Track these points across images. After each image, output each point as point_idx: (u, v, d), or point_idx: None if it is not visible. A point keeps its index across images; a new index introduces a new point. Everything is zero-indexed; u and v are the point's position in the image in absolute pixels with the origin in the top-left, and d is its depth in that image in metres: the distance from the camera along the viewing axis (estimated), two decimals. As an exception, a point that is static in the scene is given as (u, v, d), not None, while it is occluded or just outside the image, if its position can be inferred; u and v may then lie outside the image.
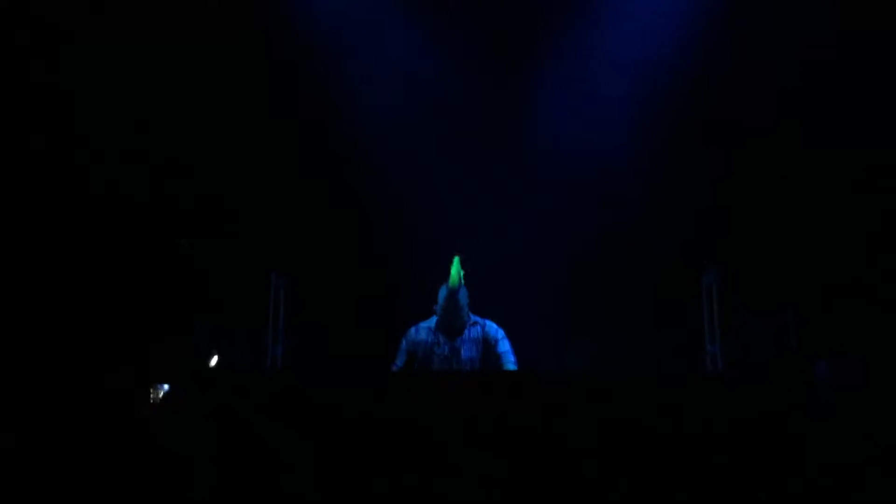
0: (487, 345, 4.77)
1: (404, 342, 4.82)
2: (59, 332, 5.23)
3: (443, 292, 4.75)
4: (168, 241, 5.58)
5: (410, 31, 5.88)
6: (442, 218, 5.94)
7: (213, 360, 5.02)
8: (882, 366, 4.46)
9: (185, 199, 5.75)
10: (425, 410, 3.44)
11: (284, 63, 5.88)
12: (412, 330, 4.83)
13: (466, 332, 4.79)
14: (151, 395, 4.62)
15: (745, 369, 4.53)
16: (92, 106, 5.60)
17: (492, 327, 4.84)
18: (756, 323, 4.76)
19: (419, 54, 5.88)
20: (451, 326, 4.74)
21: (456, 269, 4.65)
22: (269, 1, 5.79)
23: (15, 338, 5.12)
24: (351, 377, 3.71)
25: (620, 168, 5.79)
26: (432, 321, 4.85)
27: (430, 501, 3.29)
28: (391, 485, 3.34)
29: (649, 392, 3.35)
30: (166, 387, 4.66)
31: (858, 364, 4.43)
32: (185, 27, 5.60)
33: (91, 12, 5.49)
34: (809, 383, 4.06)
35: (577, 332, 5.77)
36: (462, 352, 4.73)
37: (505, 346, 4.77)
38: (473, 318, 4.86)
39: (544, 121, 5.89)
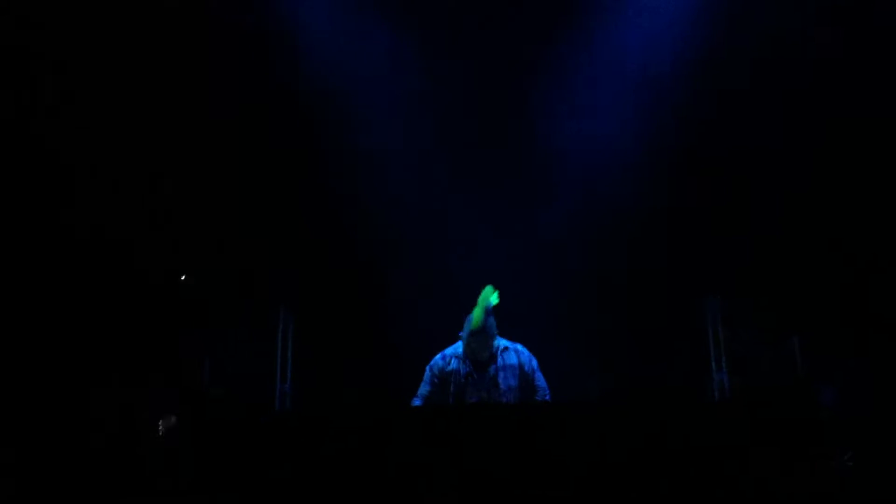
0: (524, 374, 4.57)
1: (429, 371, 4.61)
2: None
3: (468, 324, 4.53)
4: (174, 280, 5.66)
5: (408, 43, 5.84)
6: (447, 244, 5.88)
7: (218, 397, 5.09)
8: (886, 390, 4.70)
9: (189, 237, 5.78)
10: (468, 448, 3.40)
11: (286, 93, 5.86)
12: (439, 359, 4.61)
13: (500, 358, 4.57)
14: (160, 426, 4.67)
15: (752, 395, 4.67)
16: (92, 131, 5.59)
17: (526, 355, 4.64)
18: (761, 350, 4.86)
19: (418, 71, 5.87)
20: (480, 357, 4.52)
21: (481, 307, 4.41)
22: (266, 31, 5.79)
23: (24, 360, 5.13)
24: (370, 411, 3.69)
25: (625, 195, 5.78)
26: (458, 347, 4.63)
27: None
28: None
29: (663, 418, 3.42)
30: (173, 419, 4.75)
31: (863, 389, 4.67)
32: (185, 49, 5.59)
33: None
34: (816, 409, 4.10)
35: (592, 366, 5.72)
36: (500, 381, 4.51)
37: (542, 379, 4.62)
38: (503, 342, 4.64)
39: (548, 144, 5.86)
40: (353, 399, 5.35)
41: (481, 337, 4.46)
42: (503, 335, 4.64)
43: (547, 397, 4.58)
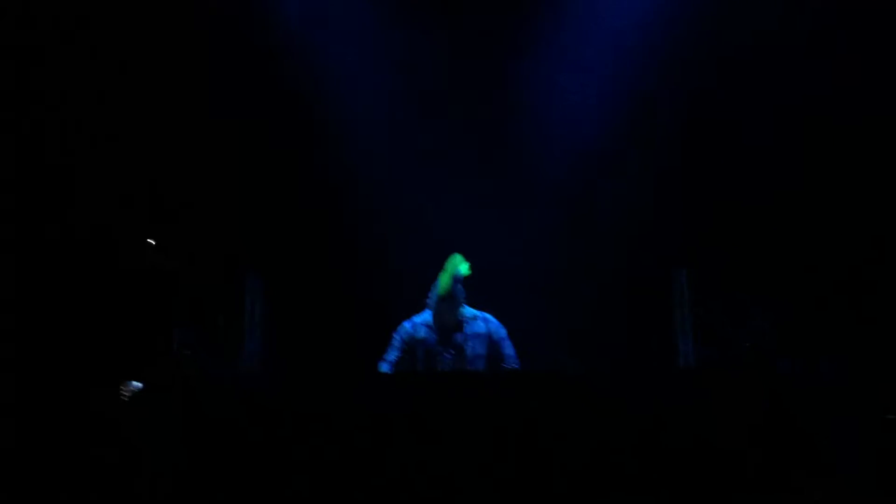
0: (492, 343, 4.66)
1: (398, 337, 4.66)
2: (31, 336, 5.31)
3: (436, 290, 4.61)
4: (141, 246, 5.53)
5: (388, 19, 5.87)
6: (420, 213, 5.89)
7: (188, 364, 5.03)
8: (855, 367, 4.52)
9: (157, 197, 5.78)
10: (435, 412, 3.47)
11: (257, 56, 5.84)
12: (407, 326, 4.68)
13: (468, 326, 4.65)
14: (123, 393, 4.63)
15: (716, 367, 4.61)
16: (63, 106, 5.62)
17: (494, 324, 4.71)
18: (727, 322, 4.86)
19: (398, 42, 5.89)
20: (446, 324, 4.61)
21: (449, 273, 4.51)
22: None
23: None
24: (345, 378, 3.71)
25: (594, 166, 5.84)
26: (427, 315, 4.71)
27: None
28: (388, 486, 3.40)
29: (627, 386, 3.55)
30: (138, 385, 4.71)
31: (832, 365, 4.44)
32: (156, 23, 5.64)
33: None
34: (781, 382, 4.10)
35: (562, 337, 5.74)
36: (467, 349, 4.59)
37: (510, 348, 4.70)
38: (471, 311, 4.72)
39: (520, 115, 5.91)
40: (323, 364, 5.27)
41: (448, 304, 4.53)
42: (472, 306, 4.70)
43: (516, 366, 4.64)
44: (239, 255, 5.62)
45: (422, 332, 4.63)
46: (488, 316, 4.72)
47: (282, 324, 5.19)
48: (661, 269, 4.83)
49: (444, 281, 4.56)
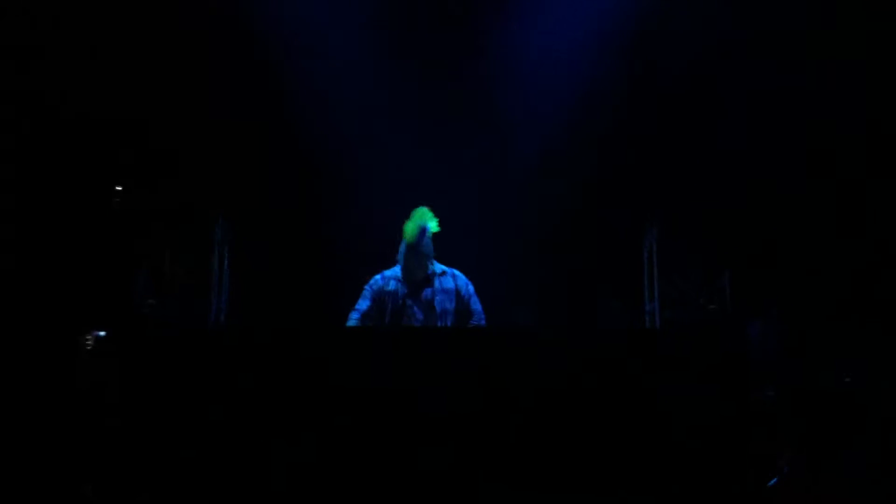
0: (460, 298, 4.57)
1: (368, 288, 4.56)
2: None
3: (403, 245, 4.51)
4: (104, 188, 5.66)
5: None
6: (392, 167, 5.85)
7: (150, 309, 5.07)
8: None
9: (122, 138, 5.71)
10: (403, 368, 3.43)
11: (227, 2, 5.81)
12: (378, 278, 4.58)
13: (437, 281, 4.57)
14: (85, 342, 4.71)
15: (680, 327, 4.75)
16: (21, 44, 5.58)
17: (462, 280, 4.63)
18: (692, 284, 5.00)
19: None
20: (414, 277, 4.51)
21: (415, 223, 4.43)
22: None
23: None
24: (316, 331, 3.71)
25: (563, 127, 5.78)
26: (397, 270, 4.60)
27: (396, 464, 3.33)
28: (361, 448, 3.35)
29: (589, 347, 3.53)
30: (101, 333, 4.78)
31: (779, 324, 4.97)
32: None
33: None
34: (742, 342, 4.32)
35: (524, 288, 5.82)
36: (436, 304, 4.50)
37: (478, 304, 4.62)
38: (440, 266, 4.63)
39: (489, 70, 5.87)
40: (293, 317, 5.36)
41: (416, 254, 4.44)
42: (442, 262, 4.62)
43: (482, 322, 4.62)
44: (208, 201, 5.53)
45: (391, 285, 4.53)
46: (457, 272, 4.65)
47: (250, 275, 5.12)
48: (632, 227, 4.81)
49: (410, 230, 4.46)
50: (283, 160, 6.00)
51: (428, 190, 4.88)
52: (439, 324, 4.53)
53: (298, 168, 6.03)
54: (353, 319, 4.48)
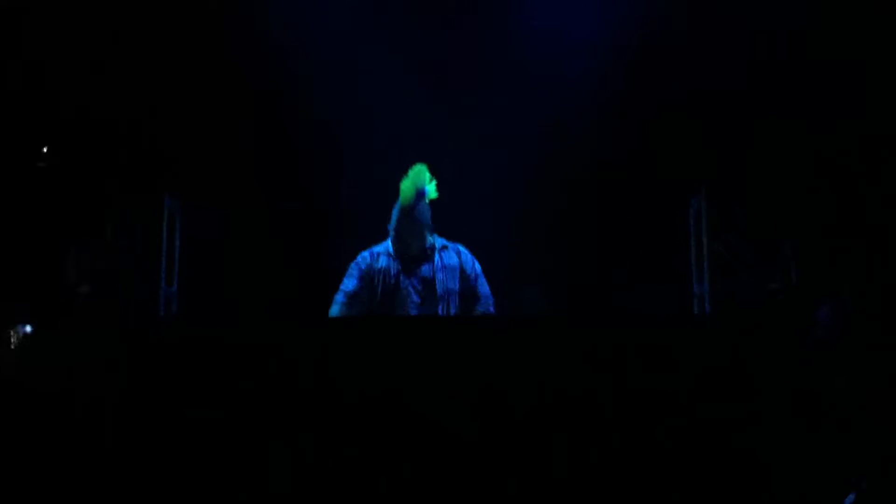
0: (465, 278, 4.42)
1: (356, 267, 4.40)
2: None
3: (397, 210, 4.33)
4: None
5: None
6: (383, 132, 5.61)
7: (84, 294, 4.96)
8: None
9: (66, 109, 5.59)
10: (398, 371, 3.18)
11: None
12: (366, 255, 4.42)
13: (438, 257, 4.43)
14: (11, 338, 4.70)
15: (736, 312, 4.51)
16: None
17: (468, 256, 4.47)
18: (749, 256, 4.73)
19: None
20: (409, 250, 4.36)
21: (412, 181, 4.27)
22: None
23: None
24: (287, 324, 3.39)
25: (588, 80, 5.56)
26: (389, 244, 4.43)
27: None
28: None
29: (627, 341, 3.20)
30: (28, 328, 4.75)
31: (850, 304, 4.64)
32: None
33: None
34: (811, 328, 4.36)
35: (543, 271, 5.59)
36: (437, 284, 4.36)
37: (486, 286, 4.43)
38: (440, 240, 4.47)
39: (516, 29, 5.71)
40: (256, 309, 5.19)
41: (412, 220, 4.28)
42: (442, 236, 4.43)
43: (491, 308, 4.39)
44: (157, 163, 5.42)
45: (382, 261, 4.37)
46: (461, 247, 4.46)
47: (206, 254, 5.05)
48: (675, 197, 4.71)
49: (406, 191, 4.26)
50: (246, 116, 5.71)
51: (427, 153, 4.59)
52: (441, 309, 4.34)
53: (265, 126, 5.75)
54: (337, 303, 4.32)
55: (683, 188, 4.75)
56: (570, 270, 5.67)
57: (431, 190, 4.32)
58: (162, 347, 3.29)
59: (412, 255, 4.36)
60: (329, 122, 5.69)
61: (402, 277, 4.34)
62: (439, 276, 4.37)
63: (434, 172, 4.30)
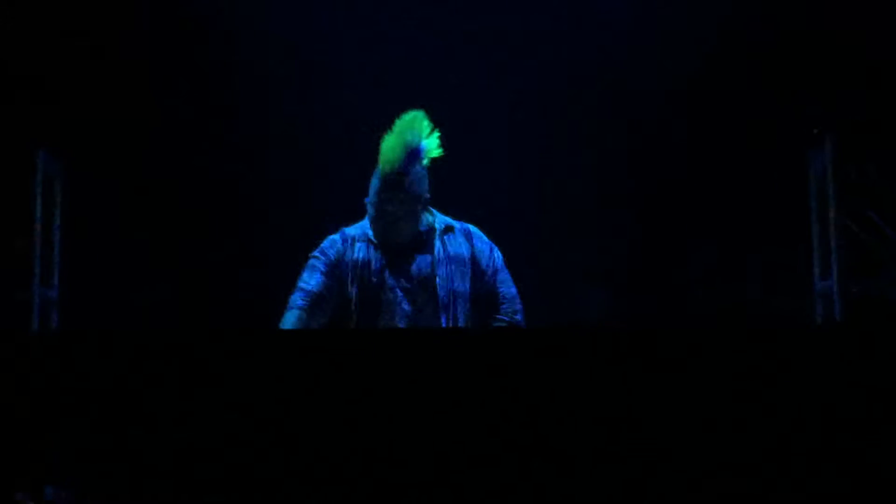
0: (478, 272, 4.31)
1: (321, 256, 4.28)
2: None
3: (377, 178, 4.15)
4: None
5: None
6: (348, 46, 5.56)
7: None
8: None
9: None
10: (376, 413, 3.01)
11: None
12: (336, 240, 4.28)
13: (438, 244, 4.31)
14: None
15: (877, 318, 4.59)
16: None
17: (482, 241, 4.32)
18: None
19: None
20: (395, 237, 4.25)
21: (399, 136, 4.19)
22: None
23: None
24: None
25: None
26: (367, 226, 4.29)
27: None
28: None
29: (725, 356, 2.99)
30: None
31: None
32: None
33: None
34: None
35: (599, 264, 5.53)
36: (438, 283, 4.30)
37: (509, 283, 4.33)
38: (442, 219, 4.32)
39: None
40: (171, 320, 5.24)
41: (399, 193, 4.09)
42: (446, 214, 4.22)
43: (519, 316, 4.19)
44: (27, 112, 5.28)
45: (359, 251, 4.27)
46: (472, 228, 4.25)
47: (95, 237, 5.04)
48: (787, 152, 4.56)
49: (389, 150, 4.12)
50: (161, 41, 5.55)
51: (426, 92, 4.68)
52: (444, 320, 4.23)
53: (185, 55, 5.59)
54: (294, 308, 4.19)
55: (800, 139, 4.75)
56: (639, 264, 5.64)
57: (431, 146, 4.20)
58: (34, 379, 3.13)
59: (400, 244, 4.22)
60: (270, 42, 5.70)
61: (387, 275, 4.26)
62: (441, 271, 4.29)
63: (436, 122, 4.16)
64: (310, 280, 4.23)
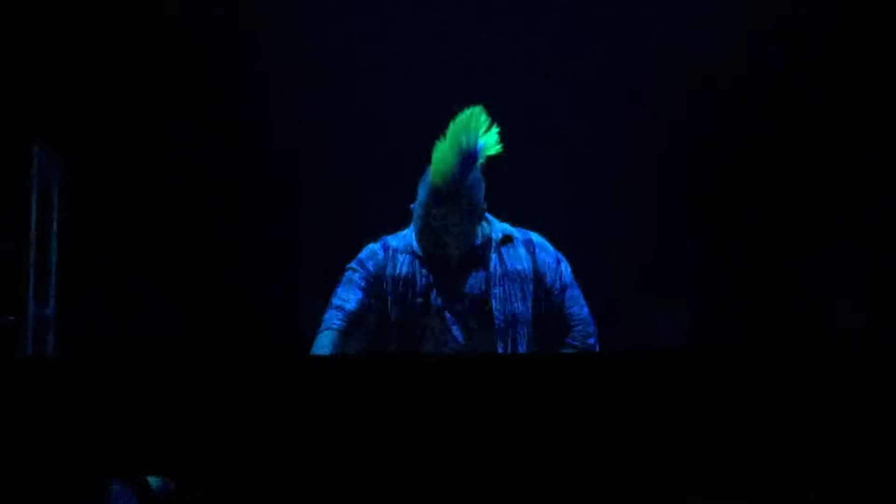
0: (544, 291, 4.02)
1: (359, 270, 4.01)
2: None
3: (426, 185, 3.90)
4: None
5: None
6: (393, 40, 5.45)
7: None
8: None
9: None
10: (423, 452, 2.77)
11: None
12: (377, 250, 4.06)
13: (495, 259, 4.03)
14: None
15: None
16: None
17: (548, 255, 4.06)
18: None
19: None
20: (445, 252, 3.97)
21: (455, 136, 3.92)
22: None
23: None
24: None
25: None
26: (411, 236, 4.04)
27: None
28: None
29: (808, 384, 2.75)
30: None
31: None
32: None
33: None
34: None
35: (667, 277, 5.40)
36: (494, 304, 4.01)
37: (581, 304, 4.07)
38: (500, 227, 4.07)
39: None
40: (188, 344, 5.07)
41: (452, 204, 3.84)
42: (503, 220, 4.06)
43: (592, 339, 3.96)
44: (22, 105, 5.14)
45: (403, 266, 4.01)
46: (535, 236, 4.01)
47: (103, 254, 4.95)
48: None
49: (441, 160, 3.84)
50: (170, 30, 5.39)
51: (482, 88, 4.27)
52: (500, 348, 3.98)
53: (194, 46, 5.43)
54: (332, 328, 3.98)
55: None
56: (725, 284, 5.50)
57: (489, 143, 3.86)
58: (28, 411, 2.77)
59: (452, 261, 3.96)
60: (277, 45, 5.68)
61: (434, 295, 3.99)
62: (497, 290, 4.00)
63: (498, 119, 3.90)
64: (347, 297, 3.96)
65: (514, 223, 4.04)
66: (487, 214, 3.98)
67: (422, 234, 3.84)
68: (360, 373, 2.94)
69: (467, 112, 3.82)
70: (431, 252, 3.89)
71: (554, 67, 5.62)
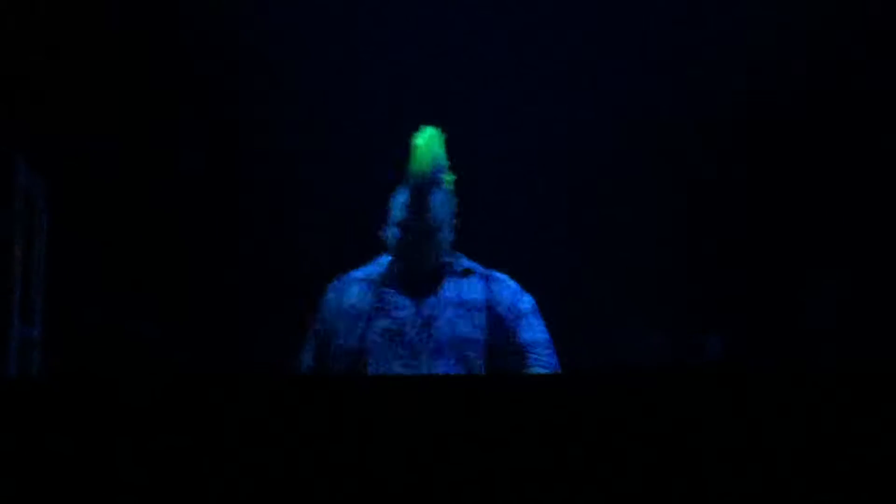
0: (497, 321, 4.09)
1: (313, 330, 4.29)
2: None
3: (403, 194, 4.05)
4: None
5: None
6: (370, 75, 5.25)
7: None
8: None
9: None
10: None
11: None
12: (329, 295, 4.26)
13: (452, 285, 4.20)
14: None
15: None
16: None
17: (508, 289, 4.18)
18: None
19: None
20: (419, 264, 4.10)
21: (428, 147, 4.14)
22: None
23: None
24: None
25: None
26: (382, 263, 4.19)
27: None
28: None
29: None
30: None
31: None
32: None
33: None
34: None
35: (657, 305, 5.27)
36: (439, 322, 4.11)
37: (540, 328, 4.15)
38: (466, 263, 4.21)
39: None
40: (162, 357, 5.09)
41: (428, 202, 4.13)
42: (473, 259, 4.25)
43: (552, 359, 4.12)
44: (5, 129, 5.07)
45: (353, 295, 4.24)
46: (496, 274, 4.25)
47: (81, 268, 5.00)
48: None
49: (421, 158, 4.18)
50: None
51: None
52: (443, 366, 4.15)
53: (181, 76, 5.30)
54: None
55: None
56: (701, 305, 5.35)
57: (445, 173, 4.27)
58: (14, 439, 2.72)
59: (423, 270, 4.21)
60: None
61: (380, 317, 4.22)
62: (447, 314, 4.15)
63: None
64: (304, 359, 4.30)
65: (490, 265, 4.23)
66: (458, 253, 4.17)
67: (401, 241, 4.06)
68: (303, 394, 2.91)
69: (428, 129, 4.09)
70: (409, 258, 4.12)
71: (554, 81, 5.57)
